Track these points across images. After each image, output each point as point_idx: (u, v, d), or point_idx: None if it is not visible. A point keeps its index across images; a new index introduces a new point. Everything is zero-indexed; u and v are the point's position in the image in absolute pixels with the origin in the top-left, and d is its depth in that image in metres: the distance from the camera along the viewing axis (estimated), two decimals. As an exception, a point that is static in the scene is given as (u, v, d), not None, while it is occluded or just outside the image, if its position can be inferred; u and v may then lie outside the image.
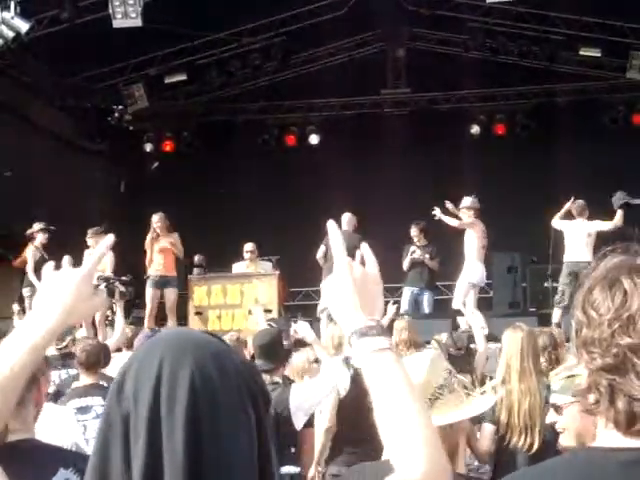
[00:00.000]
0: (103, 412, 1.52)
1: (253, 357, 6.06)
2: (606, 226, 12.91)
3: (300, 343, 7.87)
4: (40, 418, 3.18)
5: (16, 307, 14.21)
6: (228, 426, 1.45)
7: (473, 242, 12.94)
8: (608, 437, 1.53)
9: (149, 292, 13.52)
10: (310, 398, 5.68)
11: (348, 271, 1.83)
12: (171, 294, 13.56)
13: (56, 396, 6.39)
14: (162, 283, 13.52)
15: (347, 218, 14.06)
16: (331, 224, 1.87)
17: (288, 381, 6.42)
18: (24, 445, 2.46)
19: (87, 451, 4.29)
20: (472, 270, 12.94)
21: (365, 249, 1.96)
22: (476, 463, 5.87)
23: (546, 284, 15.01)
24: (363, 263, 1.90)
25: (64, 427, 4.86)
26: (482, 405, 3.17)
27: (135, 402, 1.46)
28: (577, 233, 13.19)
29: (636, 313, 1.49)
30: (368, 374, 1.74)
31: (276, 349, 5.97)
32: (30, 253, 13.95)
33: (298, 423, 5.66)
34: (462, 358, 7.25)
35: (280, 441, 5.54)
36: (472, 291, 12.96)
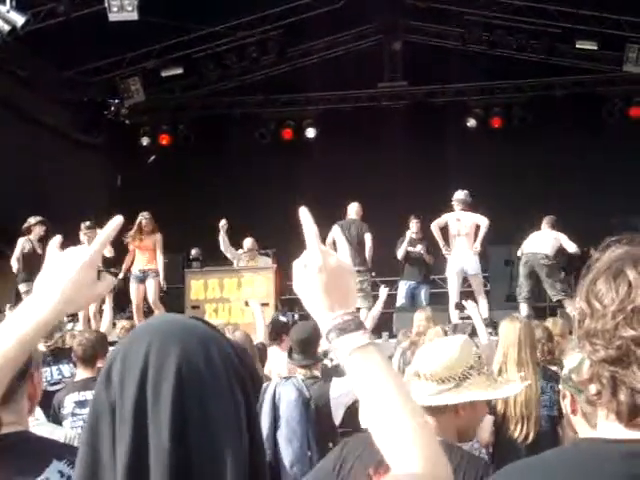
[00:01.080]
0: (91, 400, 1.51)
1: (291, 351, 5.97)
2: (569, 246, 13.23)
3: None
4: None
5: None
6: (215, 413, 1.45)
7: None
8: (609, 428, 1.52)
9: (132, 288, 13.51)
10: (350, 392, 5.59)
11: (323, 262, 1.69)
12: (151, 286, 13.43)
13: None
14: (143, 277, 13.53)
15: (355, 207, 14.15)
16: (303, 211, 1.73)
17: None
18: (17, 437, 2.44)
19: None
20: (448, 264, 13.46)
21: (337, 234, 1.88)
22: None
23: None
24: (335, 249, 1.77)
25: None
26: (509, 390, 3.27)
27: (121, 390, 1.45)
28: (543, 234, 13.51)
29: None
30: (353, 374, 1.65)
31: (315, 343, 5.88)
32: (20, 244, 13.95)
33: (337, 419, 5.59)
34: None
35: (321, 436, 5.45)
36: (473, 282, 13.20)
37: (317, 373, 5.85)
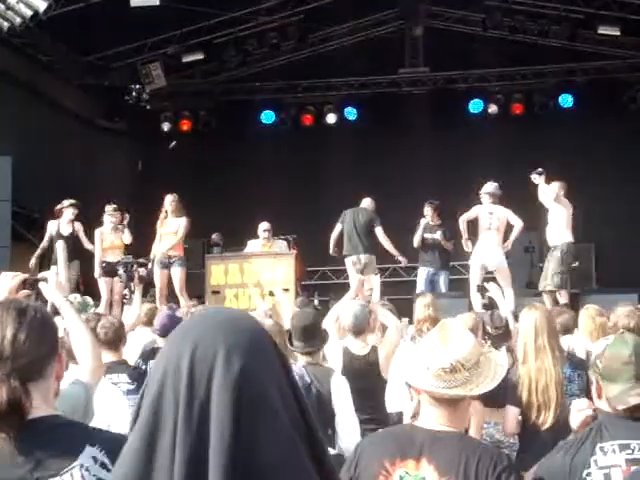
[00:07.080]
0: (154, 393, 1.48)
1: (290, 337, 6.06)
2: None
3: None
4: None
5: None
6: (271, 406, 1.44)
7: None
8: None
9: (156, 272, 13.27)
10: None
11: None
12: (177, 274, 13.26)
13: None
14: (168, 263, 13.37)
15: (367, 201, 14.01)
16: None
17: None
18: (49, 421, 2.35)
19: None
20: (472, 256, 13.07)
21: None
22: (507, 439, 5.99)
23: (563, 264, 14.96)
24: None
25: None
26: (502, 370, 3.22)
27: (190, 388, 1.43)
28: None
29: None
30: None
31: (316, 331, 5.97)
32: (49, 227, 13.95)
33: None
34: (500, 337, 7.33)
35: (320, 422, 5.51)
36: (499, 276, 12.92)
37: (318, 360, 5.94)
